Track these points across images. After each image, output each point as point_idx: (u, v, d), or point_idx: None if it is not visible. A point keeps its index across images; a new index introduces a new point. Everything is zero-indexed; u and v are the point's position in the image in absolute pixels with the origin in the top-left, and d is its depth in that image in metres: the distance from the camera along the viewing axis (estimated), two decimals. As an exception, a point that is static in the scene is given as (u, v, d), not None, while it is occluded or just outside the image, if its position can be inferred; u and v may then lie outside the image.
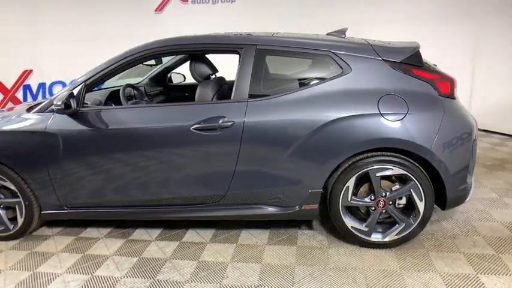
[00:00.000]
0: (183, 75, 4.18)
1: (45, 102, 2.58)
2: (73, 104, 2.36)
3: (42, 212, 2.65)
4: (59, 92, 2.56)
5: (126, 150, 2.42)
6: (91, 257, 2.49)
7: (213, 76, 2.78)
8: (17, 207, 2.65)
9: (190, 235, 2.70)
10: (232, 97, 2.35)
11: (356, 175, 2.25)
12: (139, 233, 2.77)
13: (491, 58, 4.95)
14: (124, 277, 2.25)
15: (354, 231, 2.36)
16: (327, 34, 2.79)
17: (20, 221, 2.67)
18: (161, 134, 2.36)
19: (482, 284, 2.01)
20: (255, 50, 2.37)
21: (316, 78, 2.33)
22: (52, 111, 2.50)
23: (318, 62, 2.35)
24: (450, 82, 2.27)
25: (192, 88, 4.15)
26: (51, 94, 5.43)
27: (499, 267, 2.14)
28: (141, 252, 2.52)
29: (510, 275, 2.06)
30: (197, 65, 2.64)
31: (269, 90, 2.35)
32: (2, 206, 2.70)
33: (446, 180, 2.21)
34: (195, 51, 2.63)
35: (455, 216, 2.74)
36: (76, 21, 5.44)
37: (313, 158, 2.26)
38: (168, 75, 4.01)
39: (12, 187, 2.59)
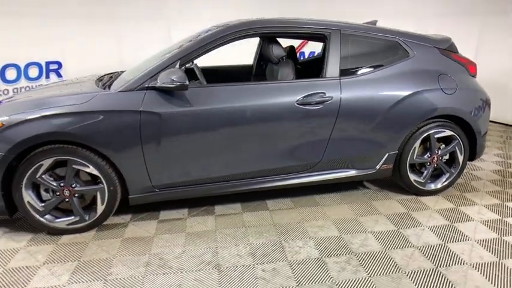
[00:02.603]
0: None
1: (134, 80, 2.43)
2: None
3: (130, 197, 2.52)
4: (150, 70, 2.44)
5: (229, 126, 2.49)
6: (196, 234, 2.51)
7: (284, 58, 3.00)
8: (98, 194, 2.45)
9: (272, 204, 2.92)
10: (324, 75, 2.67)
11: (421, 138, 2.85)
12: (220, 209, 2.86)
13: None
14: (251, 244, 2.39)
15: (414, 183, 2.96)
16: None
17: (101, 208, 2.48)
18: (266, 110, 2.53)
19: (510, 208, 2.85)
20: (339, 34, 2.73)
21: (389, 60, 2.81)
22: (144, 88, 2.41)
23: (388, 47, 2.84)
24: (475, 65, 3.05)
25: (206, 71, 4.18)
26: (3, 78, 4.58)
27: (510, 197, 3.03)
28: (243, 223, 2.65)
29: (520, 201, 2.98)
30: (275, 47, 2.84)
31: (354, 70, 2.74)
32: (76, 195, 2.46)
33: (478, 138, 2.99)
34: (284, 34, 2.83)
35: (459, 169, 3.61)
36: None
37: (393, 126, 2.76)
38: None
39: (95, 172, 2.39)
